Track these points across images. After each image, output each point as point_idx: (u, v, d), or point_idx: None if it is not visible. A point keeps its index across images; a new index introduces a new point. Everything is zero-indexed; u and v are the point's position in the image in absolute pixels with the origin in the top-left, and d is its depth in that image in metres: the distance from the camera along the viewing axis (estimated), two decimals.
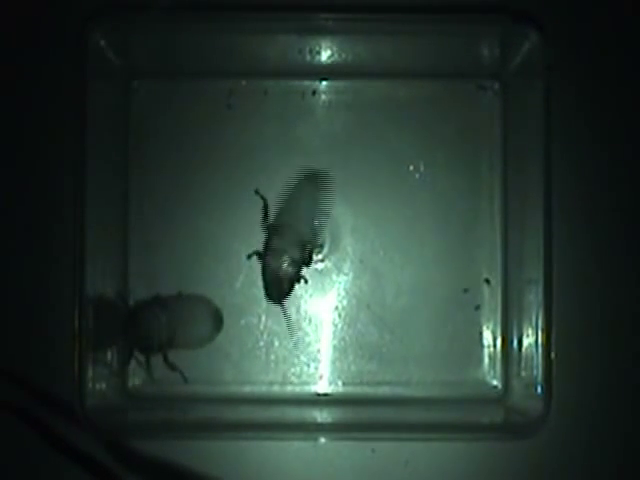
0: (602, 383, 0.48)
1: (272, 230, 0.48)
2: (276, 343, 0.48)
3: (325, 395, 0.48)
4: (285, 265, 0.47)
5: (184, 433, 0.46)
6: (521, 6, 0.47)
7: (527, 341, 0.45)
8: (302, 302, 0.48)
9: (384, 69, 0.49)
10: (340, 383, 0.48)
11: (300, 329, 0.48)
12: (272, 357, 0.48)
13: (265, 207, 0.48)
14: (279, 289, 0.47)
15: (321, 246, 0.48)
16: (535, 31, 0.44)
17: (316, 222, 0.48)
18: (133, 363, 0.48)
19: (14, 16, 0.49)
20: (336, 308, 0.49)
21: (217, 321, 0.48)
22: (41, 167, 0.48)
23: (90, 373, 0.43)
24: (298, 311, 0.48)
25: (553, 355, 0.43)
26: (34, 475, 0.48)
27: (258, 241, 0.48)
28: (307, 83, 0.49)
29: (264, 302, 0.48)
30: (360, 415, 0.47)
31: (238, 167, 0.49)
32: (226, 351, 0.48)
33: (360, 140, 0.49)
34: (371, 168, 0.49)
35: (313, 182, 0.48)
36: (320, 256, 0.49)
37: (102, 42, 0.44)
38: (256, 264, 0.48)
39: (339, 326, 0.48)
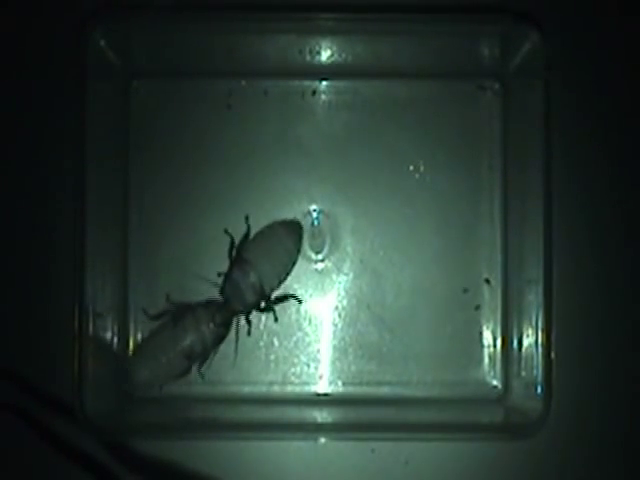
0: (602, 383, 0.48)
1: (237, 260, 0.47)
2: (276, 343, 0.48)
3: (325, 395, 0.48)
4: (237, 302, 0.47)
5: (184, 433, 0.46)
6: (521, 6, 0.47)
7: (527, 341, 0.45)
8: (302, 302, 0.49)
9: (384, 69, 0.49)
10: (340, 383, 0.48)
11: (299, 329, 0.49)
12: (272, 357, 0.48)
13: (232, 243, 0.47)
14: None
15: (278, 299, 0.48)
16: (535, 31, 0.44)
17: (281, 269, 0.47)
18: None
19: (14, 16, 0.49)
20: (336, 308, 0.49)
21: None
22: (41, 167, 0.48)
23: (90, 373, 0.43)
24: (298, 311, 0.48)
25: (553, 355, 0.43)
26: (34, 475, 0.48)
27: None
28: (307, 83, 0.49)
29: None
30: (360, 415, 0.47)
31: (238, 167, 0.49)
32: (226, 351, 0.48)
33: (360, 140, 0.49)
34: (371, 168, 0.49)
35: (287, 229, 0.47)
36: (320, 256, 0.49)
37: (102, 42, 0.44)
38: None
39: (339, 326, 0.48)
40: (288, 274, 0.47)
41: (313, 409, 0.47)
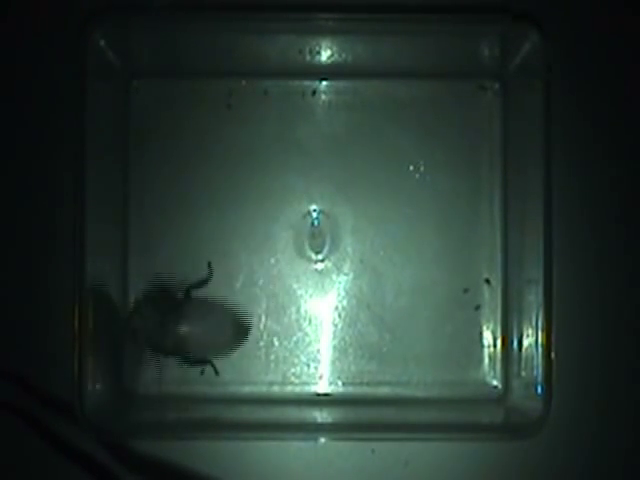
0: (602, 383, 0.48)
1: (187, 303, 0.47)
2: (276, 343, 0.48)
3: (325, 395, 0.48)
4: (155, 333, 0.46)
5: (184, 433, 0.46)
6: (521, 6, 0.48)
7: (527, 341, 0.45)
8: (302, 302, 0.49)
9: (384, 69, 0.49)
10: (340, 383, 0.48)
11: (299, 329, 0.49)
12: (272, 357, 0.48)
13: (208, 278, 0.47)
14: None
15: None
16: (535, 31, 0.44)
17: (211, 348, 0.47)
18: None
19: (14, 16, 0.49)
20: (336, 308, 0.49)
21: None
22: (41, 167, 0.48)
23: (90, 373, 0.43)
24: (298, 311, 0.48)
25: (553, 355, 0.43)
26: (34, 475, 0.48)
27: (257, 242, 0.48)
28: (307, 83, 0.49)
29: (264, 302, 0.48)
30: (360, 415, 0.47)
31: (238, 167, 0.49)
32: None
33: (360, 140, 0.49)
34: (371, 168, 0.49)
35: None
36: (320, 256, 0.49)
37: (102, 42, 0.44)
38: (256, 264, 0.48)
39: (339, 326, 0.48)
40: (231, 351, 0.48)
41: (313, 409, 0.47)
